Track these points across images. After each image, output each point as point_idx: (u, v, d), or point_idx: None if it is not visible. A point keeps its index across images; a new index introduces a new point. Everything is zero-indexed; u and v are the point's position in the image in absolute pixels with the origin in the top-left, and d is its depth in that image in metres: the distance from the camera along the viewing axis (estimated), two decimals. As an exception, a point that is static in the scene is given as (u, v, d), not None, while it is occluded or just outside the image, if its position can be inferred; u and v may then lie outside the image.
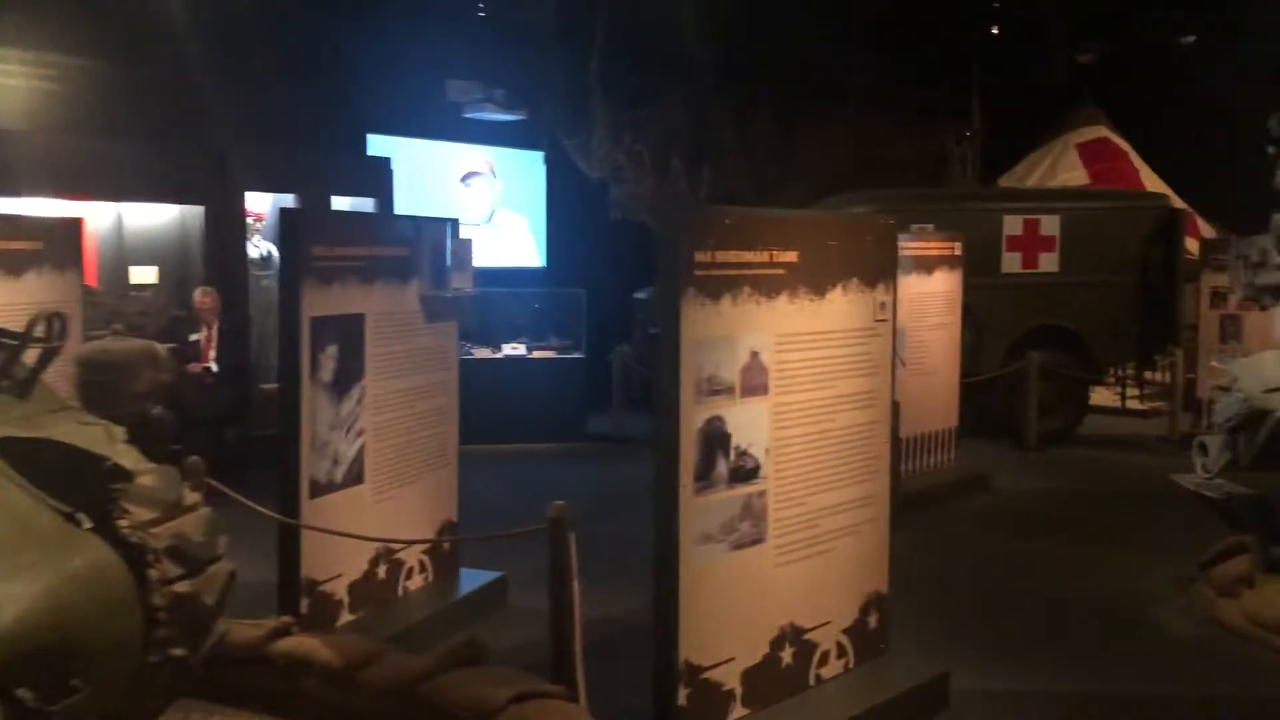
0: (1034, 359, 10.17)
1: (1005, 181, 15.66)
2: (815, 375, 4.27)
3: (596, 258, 12.60)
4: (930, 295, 8.46)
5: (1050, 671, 5.05)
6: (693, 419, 3.79)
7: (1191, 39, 15.23)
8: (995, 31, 15.63)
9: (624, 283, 11.98)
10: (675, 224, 3.81)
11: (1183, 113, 14.90)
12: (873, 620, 4.59)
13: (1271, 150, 5.57)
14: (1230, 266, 6.50)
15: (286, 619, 4.45)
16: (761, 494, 4.06)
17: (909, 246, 8.27)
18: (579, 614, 4.00)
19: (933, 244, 8.55)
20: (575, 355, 10.99)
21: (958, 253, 8.68)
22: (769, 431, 4.07)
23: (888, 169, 14.56)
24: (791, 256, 4.15)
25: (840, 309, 4.36)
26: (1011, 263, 10.64)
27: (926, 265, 8.44)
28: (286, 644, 4.22)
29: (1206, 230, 13.31)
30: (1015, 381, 10.24)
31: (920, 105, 15.96)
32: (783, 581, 4.17)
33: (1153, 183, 14.38)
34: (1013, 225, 10.63)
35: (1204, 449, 5.40)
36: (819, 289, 4.26)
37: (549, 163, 13.12)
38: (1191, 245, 11.88)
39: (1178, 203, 12.79)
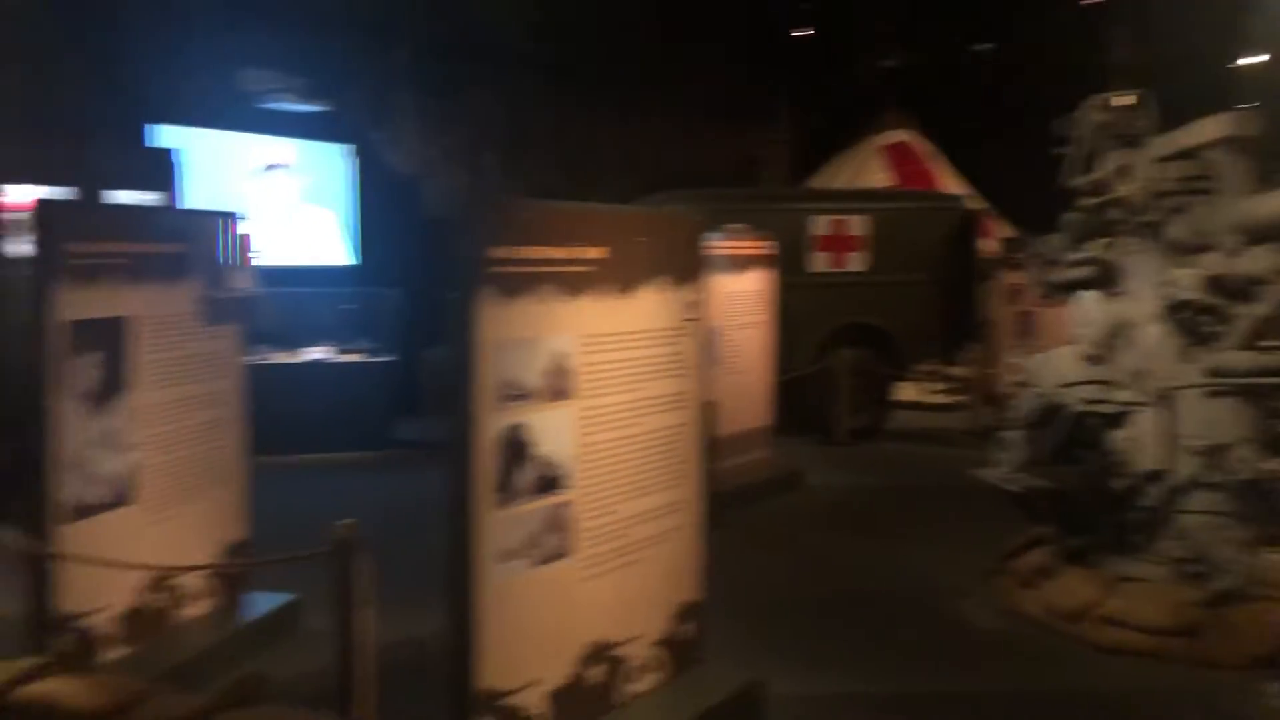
0: (843, 356, 10.36)
1: (815, 183, 16.03)
2: (623, 377, 4.08)
3: (413, 256, 12.12)
4: (744, 294, 8.45)
5: (864, 672, 5.03)
6: (491, 427, 3.53)
7: (990, 47, 15.93)
8: (804, 34, 15.93)
9: (440, 282, 11.52)
10: (468, 217, 3.54)
11: (982, 117, 15.58)
12: (687, 630, 4.44)
13: (1059, 151, 5.74)
14: (1026, 264, 6.69)
15: (38, 660, 3.95)
16: (567, 504, 3.84)
17: (722, 246, 8.24)
18: (370, 642, 3.68)
19: (746, 244, 8.54)
20: (386, 358, 10.53)
21: (770, 252, 8.70)
22: (575, 438, 3.86)
23: (703, 169, 14.64)
24: (599, 253, 3.94)
25: (649, 308, 4.18)
26: (820, 262, 10.81)
27: (740, 265, 8.43)
28: (34, 689, 3.74)
29: (1003, 230, 13.92)
30: (825, 379, 10.41)
31: (734, 107, 16.14)
32: (591, 596, 3.96)
33: (953, 185, 14.98)
34: (821, 225, 10.81)
35: (1004, 444, 5.50)
36: (627, 287, 4.06)
37: (359, 156, 12.56)
38: (989, 244, 12.39)
39: (976, 204, 13.35)
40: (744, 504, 7.86)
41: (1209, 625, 5.04)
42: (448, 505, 3.53)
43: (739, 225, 8.85)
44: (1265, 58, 14.90)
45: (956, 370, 12.25)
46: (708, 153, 15.29)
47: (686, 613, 4.44)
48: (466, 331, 3.47)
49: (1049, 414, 5.23)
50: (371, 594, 3.75)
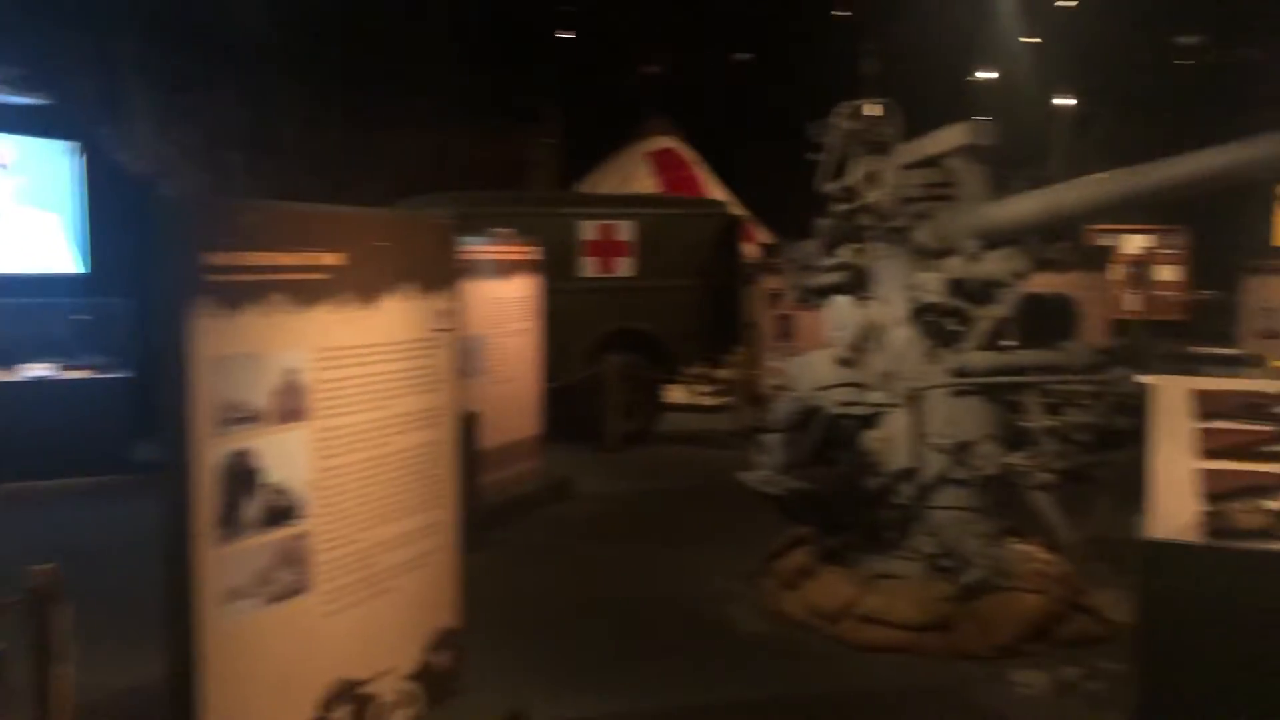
0: (613, 362, 10.31)
1: (584, 187, 15.99)
2: (366, 394, 3.78)
3: (149, 263, 11.16)
4: (509, 301, 8.23)
5: (630, 688, 4.91)
6: (211, 454, 3.17)
7: (748, 56, 16.35)
8: (570, 37, 15.87)
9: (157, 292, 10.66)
10: (178, 219, 3.15)
11: (743, 124, 15.97)
12: (444, 659, 4.17)
13: (814, 156, 5.83)
14: (784, 269, 6.77)
15: None
16: (304, 536, 3.50)
17: (486, 251, 8.00)
18: (69, 700, 3.23)
19: (511, 248, 8.32)
20: (120, 374, 9.65)
21: (536, 257, 8.51)
22: (311, 462, 3.52)
23: (469, 172, 14.32)
24: (335, 259, 3.62)
25: (394, 318, 3.90)
26: (589, 267, 10.72)
27: (505, 270, 8.19)
28: None
29: (765, 236, 14.29)
30: (596, 385, 10.33)
31: (502, 110, 15.88)
32: (333, 632, 3.64)
33: (717, 191, 15.28)
34: (590, 230, 10.72)
35: (765, 447, 5.52)
36: (368, 296, 3.77)
37: (86, 154, 11.49)
38: (752, 250, 12.67)
39: (740, 210, 13.64)
40: (512, 518, 7.65)
41: (960, 618, 5.21)
42: (164, 542, 3.14)
43: (505, 230, 8.63)
44: (995, 75, 16.02)
45: (723, 372, 12.45)
46: (474, 154, 14.97)
47: (443, 641, 4.18)
48: (178, 348, 3.09)
49: (806, 417, 5.28)
50: (69, 648, 3.29)
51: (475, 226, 9.19)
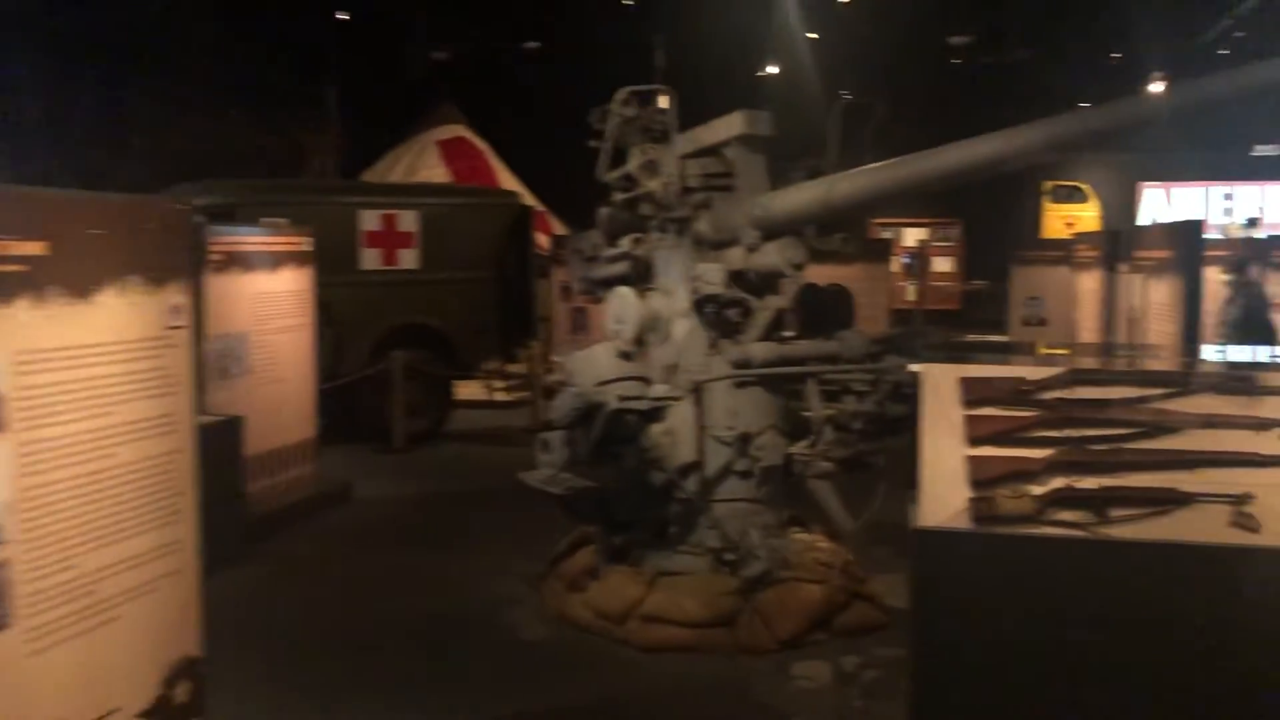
0: (398, 358, 9.88)
1: (369, 177, 15.37)
2: (82, 402, 3.33)
3: None
4: (278, 295, 7.69)
5: (406, 708, 4.61)
6: None
7: (535, 45, 16.10)
8: (347, 18, 15.19)
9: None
10: None
11: (536, 113, 15.71)
12: (182, 693, 3.75)
13: (595, 144, 5.65)
14: (569, 261, 6.57)
15: None
16: (2, 565, 3.04)
17: (249, 241, 7.46)
18: None
19: (278, 239, 7.79)
20: None
21: (307, 248, 8.01)
22: (11, 481, 3.07)
23: (245, 159, 13.51)
24: (38, 248, 3.17)
25: (116, 316, 3.45)
26: (371, 259, 10.23)
27: (272, 262, 7.66)
28: None
29: (558, 227, 14.10)
30: (380, 382, 9.88)
31: (281, 95, 15.05)
32: (43, 672, 3.19)
33: (509, 181, 14.97)
34: (371, 220, 10.23)
35: (546, 445, 5.31)
36: (81, 291, 3.32)
37: None
38: (544, 241, 12.45)
39: (532, 200, 13.39)
40: (283, 528, 7.18)
41: (743, 613, 5.15)
42: None
43: (277, 219, 8.10)
44: (778, 69, 16.35)
45: (517, 367, 12.18)
46: (250, 140, 14.13)
47: (182, 673, 3.76)
48: None
49: (587, 412, 5.09)
50: None
51: (246, 215, 8.63)
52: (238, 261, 7.23)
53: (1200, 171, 22.28)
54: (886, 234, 20.97)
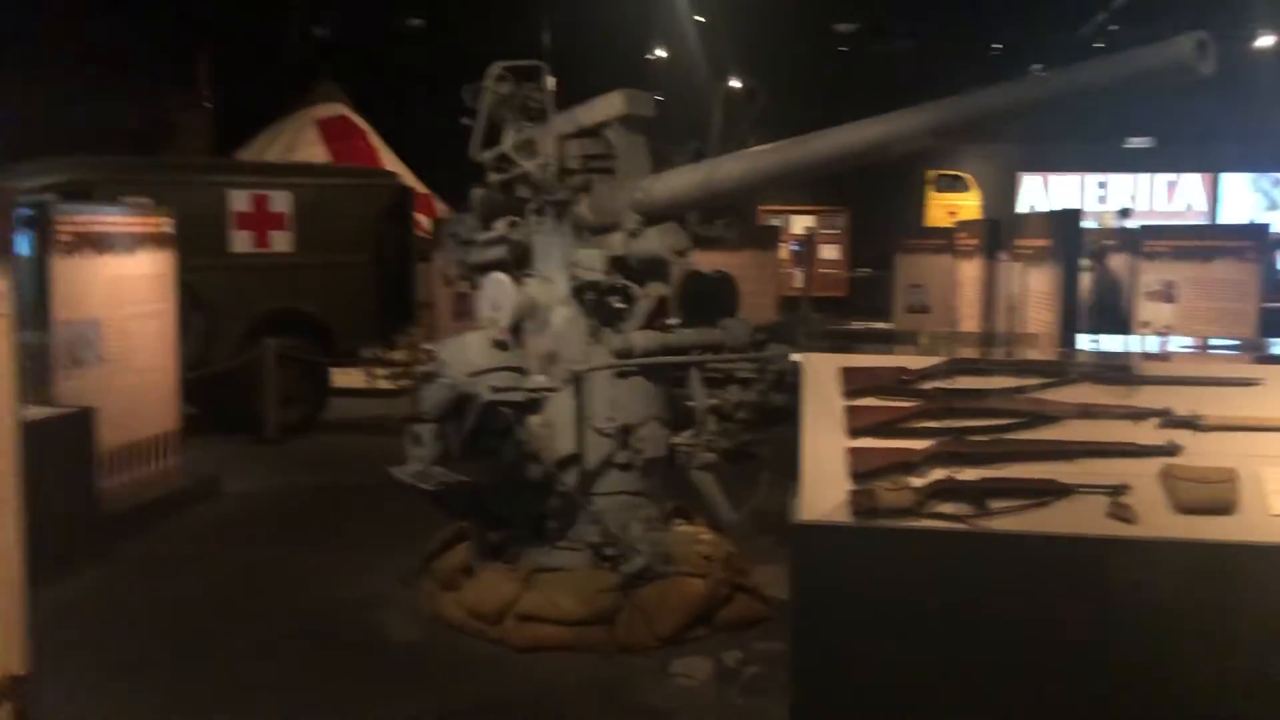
0: (270, 345, 9.46)
1: (244, 155, 14.73)
2: (-122, 396, 2.98)
3: None
4: (136, 278, 7.24)
5: (258, 713, 4.33)
6: None
7: (419, 22, 15.64)
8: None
9: None
10: None
11: (419, 92, 15.23)
12: (3, 715, 3.42)
13: (468, 122, 5.40)
14: (444, 245, 6.31)
15: None
16: None
17: (103, 222, 6.99)
18: None
19: (134, 219, 7.32)
20: None
21: (168, 229, 7.55)
22: None
23: (109, 133, 12.78)
24: None
25: (-83, 301, 3.10)
26: (242, 242, 9.76)
27: (129, 244, 7.19)
28: None
29: (441, 210, 13.71)
30: (252, 371, 9.44)
31: (146, 65, 14.27)
32: None
33: (391, 162, 14.53)
34: (241, 201, 9.75)
35: (417, 438, 5.06)
36: (-124, 273, 2.96)
37: None
38: (426, 224, 12.10)
39: (413, 181, 13.00)
40: (141, 526, 6.76)
41: (623, 610, 4.99)
42: None
43: (141, 199, 7.61)
44: (664, 54, 16.23)
45: (398, 355, 11.79)
46: (113, 115, 13.37)
47: (5, 693, 3.43)
48: None
49: (460, 405, 4.86)
50: None
51: (106, 194, 8.11)
52: (90, 243, 6.77)
53: (1076, 162, 23.04)
54: (775, 221, 21.08)
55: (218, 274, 9.35)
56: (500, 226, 5.42)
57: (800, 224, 22.69)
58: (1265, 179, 22.94)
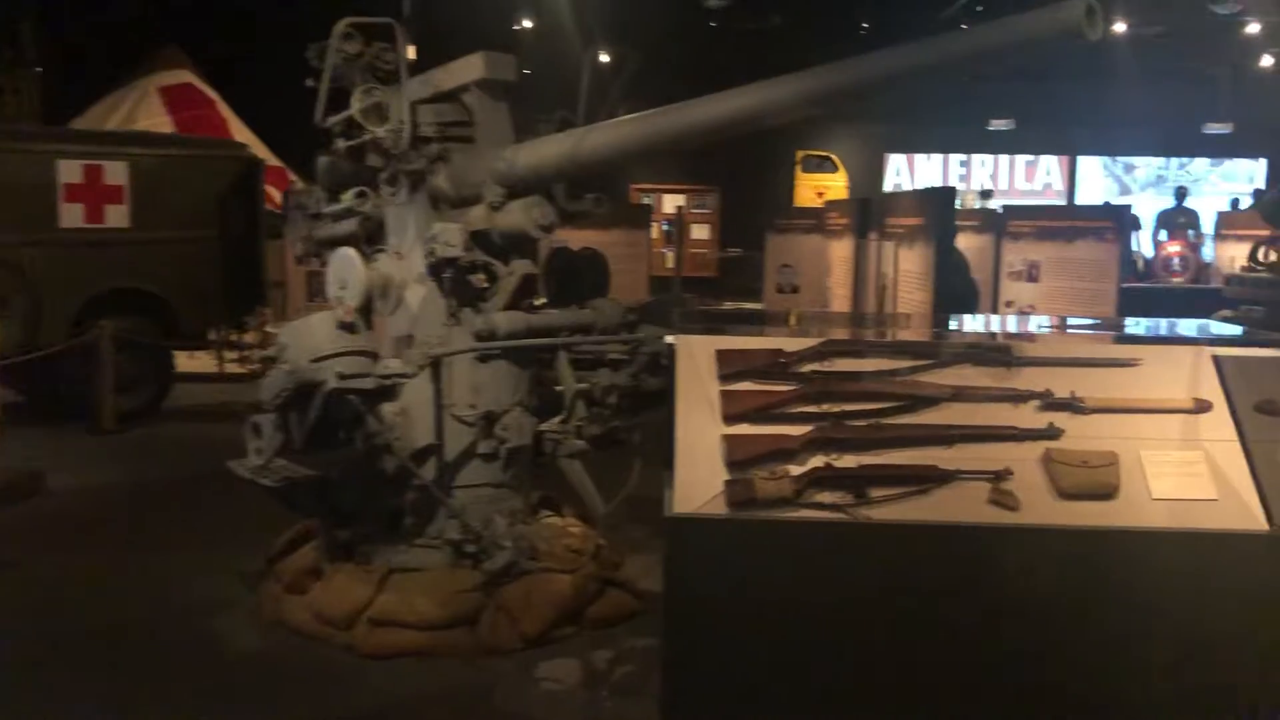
0: (105, 327, 8.75)
1: (81, 124, 13.74)
2: None
3: None
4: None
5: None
6: None
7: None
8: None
9: None
10: None
11: (273, 60, 14.45)
12: None
13: (313, 84, 4.96)
14: (290, 219, 5.84)
15: None
16: None
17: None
18: None
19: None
20: None
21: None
22: None
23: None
24: None
25: None
26: (72, 216, 8.99)
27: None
28: None
29: (297, 183, 13.04)
30: (85, 355, 8.74)
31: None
32: None
33: (242, 133, 13.74)
34: (71, 172, 8.99)
35: (257, 430, 4.62)
36: None
37: None
38: (278, 197, 11.46)
39: (264, 153, 12.31)
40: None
41: (486, 610, 4.68)
42: None
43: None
44: (532, 23, 15.81)
45: (249, 337, 11.15)
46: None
47: None
48: None
49: (302, 394, 4.44)
50: None
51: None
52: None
53: (940, 143, 23.57)
54: (646, 200, 20.92)
55: (45, 250, 8.66)
56: (348, 198, 4.99)
57: (671, 203, 22.59)
58: (1117, 164, 23.86)
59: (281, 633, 4.81)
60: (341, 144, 5.02)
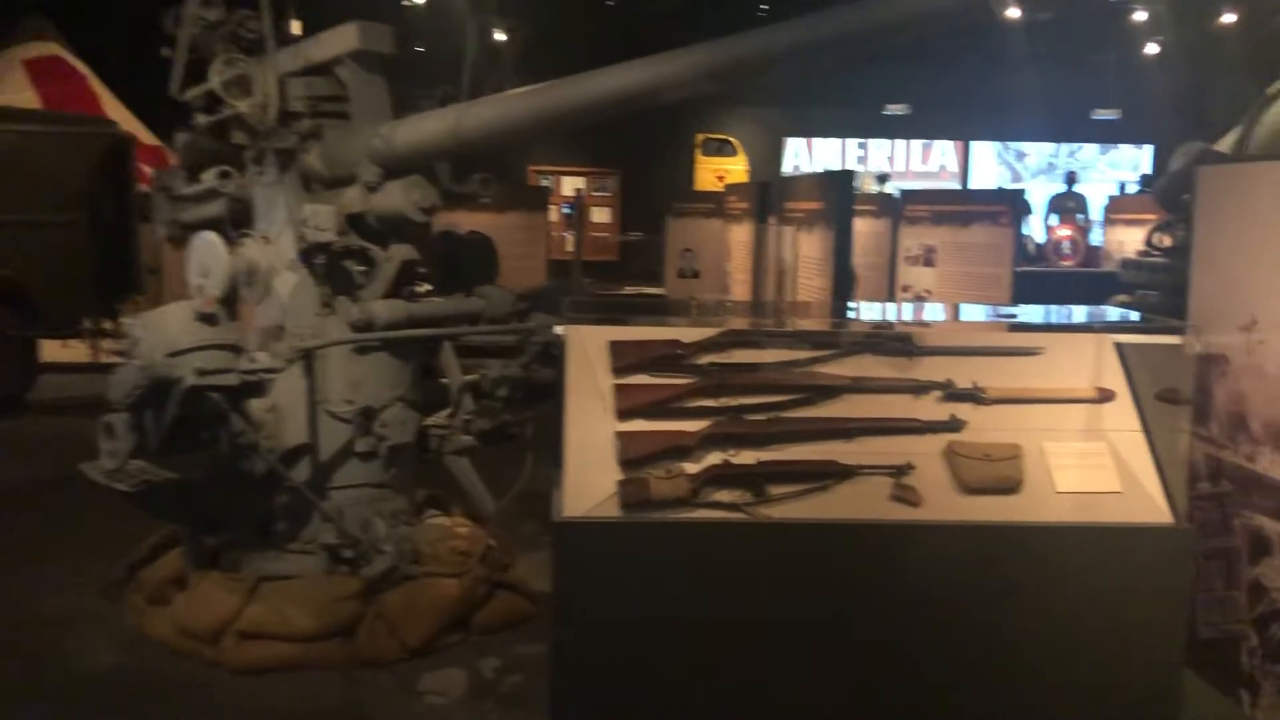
0: (-43, 317, 8.16)
1: (-69, 99, 12.85)
2: None
3: None
4: None
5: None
6: None
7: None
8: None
9: None
10: None
11: (148, 32, 13.74)
12: None
13: (168, 54, 4.58)
14: (153, 200, 5.43)
15: None
16: None
17: None
18: None
19: None
20: None
21: None
22: None
23: None
24: None
25: None
26: (-79, 198, 8.35)
27: None
28: None
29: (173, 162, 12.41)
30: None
31: None
32: None
33: (116, 110, 13.02)
34: (-87, 149, 8.33)
35: (110, 430, 4.25)
36: None
37: None
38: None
39: (142, 132, 11.68)
40: None
41: (365, 619, 4.39)
42: None
43: None
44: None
45: (122, 326, 10.53)
46: None
47: None
48: None
49: (158, 391, 4.08)
50: None
51: None
52: None
53: (837, 127, 23.73)
54: (545, 182, 20.59)
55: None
56: (209, 178, 4.63)
57: (571, 185, 22.31)
58: (1009, 151, 24.31)
59: (142, 647, 4.47)
60: (202, 119, 4.65)
